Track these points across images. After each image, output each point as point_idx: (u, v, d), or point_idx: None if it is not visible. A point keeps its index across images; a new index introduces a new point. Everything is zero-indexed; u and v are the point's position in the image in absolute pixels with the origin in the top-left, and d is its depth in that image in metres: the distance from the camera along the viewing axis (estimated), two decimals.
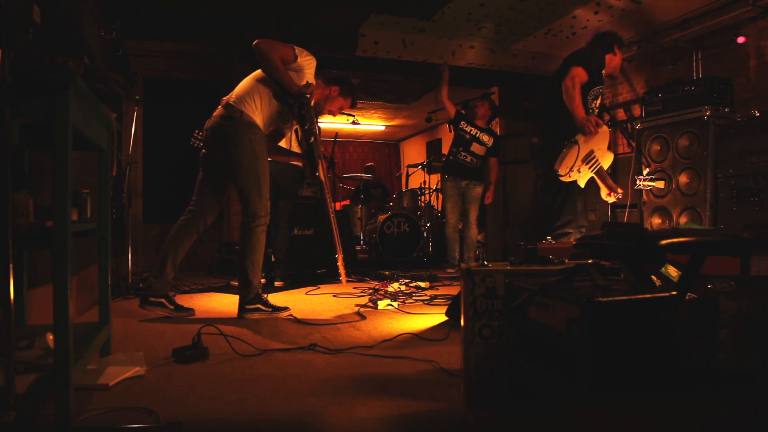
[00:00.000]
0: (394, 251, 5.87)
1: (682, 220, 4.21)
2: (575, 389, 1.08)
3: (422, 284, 4.00)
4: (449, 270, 5.24)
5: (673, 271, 1.96)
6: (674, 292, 1.12)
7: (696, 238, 1.35)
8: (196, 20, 4.86)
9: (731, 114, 4.15)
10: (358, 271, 5.20)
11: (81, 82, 1.36)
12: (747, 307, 1.35)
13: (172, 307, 2.89)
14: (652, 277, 1.56)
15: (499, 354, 1.42)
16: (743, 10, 4.42)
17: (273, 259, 4.22)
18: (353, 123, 6.20)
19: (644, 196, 4.57)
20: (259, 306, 2.91)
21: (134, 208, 5.30)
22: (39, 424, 1.36)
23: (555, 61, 6.33)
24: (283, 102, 2.99)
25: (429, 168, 6.88)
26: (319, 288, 4.12)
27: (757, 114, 3.85)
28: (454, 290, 3.77)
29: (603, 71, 3.32)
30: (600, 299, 1.07)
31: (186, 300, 3.57)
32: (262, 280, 3.64)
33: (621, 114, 5.71)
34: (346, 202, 7.46)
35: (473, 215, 5.30)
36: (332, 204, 3.33)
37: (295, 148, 4.01)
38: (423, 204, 6.74)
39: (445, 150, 6.17)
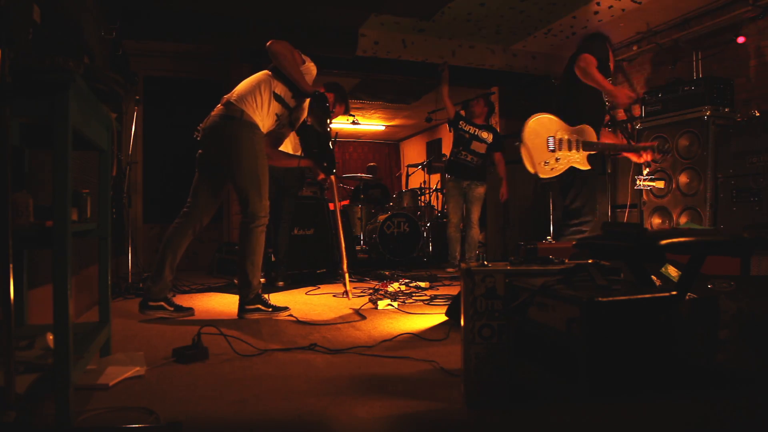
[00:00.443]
0: (394, 251, 5.87)
1: (682, 220, 4.21)
2: (575, 389, 1.08)
3: (422, 284, 4.00)
4: (449, 269, 5.26)
5: (673, 271, 1.96)
6: (674, 292, 1.12)
7: (696, 238, 1.35)
8: (196, 20, 4.86)
9: (731, 114, 4.15)
10: (358, 271, 5.20)
11: (81, 82, 1.36)
12: (747, 307, 1.35)
13: (172, 308, 2.89)
14: (652, 277, 1.56)
15: (499, 354, 1.42)
16: (743, 10, 4.42)
17: (273, 259, 4.21)
18: (353, 123, 6.20)
19: (644, 196, 4.57)
20: (259, 306, 2.91)
21: (134, 208, 5.30)
22: (39, 424, 1.36)
23: (555, 61, 6.34)
24: (284, 105, 2.99)
25: (429, 168, 6.88)
26: (319, 288, 4.11)
27: (757, 114, 3.85)
28: (454, 290, 3.76)
29: (609, 64, 3.30)
30: (600, 299, 1.07)
31: (186, 300, 3.57)
32: (262, 280, 3.64)
33: (621, 114, 5.71)
34: (346, 202, 7.46)
35: (475, 215, 5.32)
36: (341, 218, 3.35)
37: (296, 151, 4.02)
38: (423, 204, 6.74)
39: (445, 150, 6.18)
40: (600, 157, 3.22)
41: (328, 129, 3.13)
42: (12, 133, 1.53)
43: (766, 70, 4.44)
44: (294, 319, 2.87)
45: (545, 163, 3.07)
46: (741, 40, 4.49)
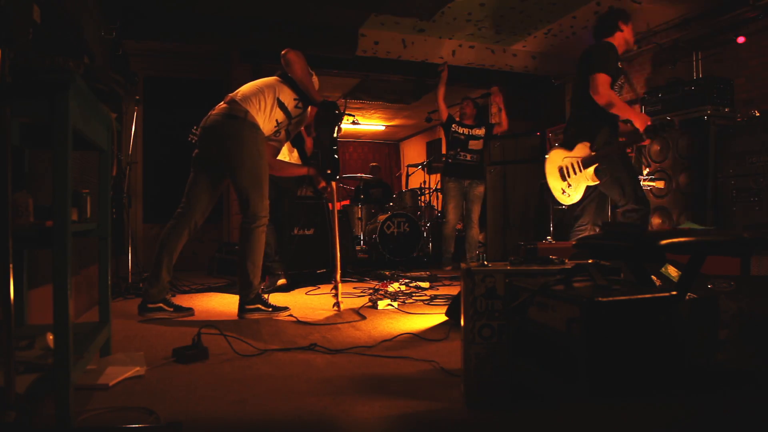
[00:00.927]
0: (394, 251, 5.87)
1: (682, 220, 4.21)
2: (575, 389, 1.08)
3: (422, 284, 4.00)
4: (447, 268, 5.30)
5: (673, 271, 1.96)
6: (674, 292, 1.12)
7: (696, 238, 1.35)
8: (196, 20, 4.87)
9: (731, 114, 4.15)
10: (358, 271, 5.20)
11: (81, 82, 1.36)
12: (747, 307, 1.35)
13: (171, 309, 2.90)
14: (652, 277, 1.56)
15: (499, 354, 1.42)
16: (743, 10, 4.42)
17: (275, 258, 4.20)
18: (353, 123, 6.20)
19: None
20: (259, 306, 2.91)
21: (134, 208, 5.30)
22: (39, 424, 1.36)
23: (555, 61, 6.35)
24: (286, 113, 3.00)
25: (429, 168, 6.88)
26: (319, 288, 4.11)
27: (757, 114, 3.86)
28: (454, 290, 3.76)
29: (619, 64, 3.27)
30: (600, 299, 1.07)
31: (186, 300, 3.57)
32: (262, 284, 3.64)
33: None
34: (346, 202, 7.47)
35: (476, 214, 5.38)
36: (338, 223, 3.36)
37: (294, 160, 4.03)
38: (423, 204, 6.74)
39: (444, 150, 6.20)
40: (609, 162, 3.18)
41: (335, 136, 3.14)
42: (12, 133, 1.53)
43: (766, 70, 4.44)
44: (294, 319, 2.87)
45: (563, 191, 3.22)
46: (741, 40, 4.49)
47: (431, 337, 2.36)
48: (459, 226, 5.70)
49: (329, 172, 3.24)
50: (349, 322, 2.78)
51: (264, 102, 2.90)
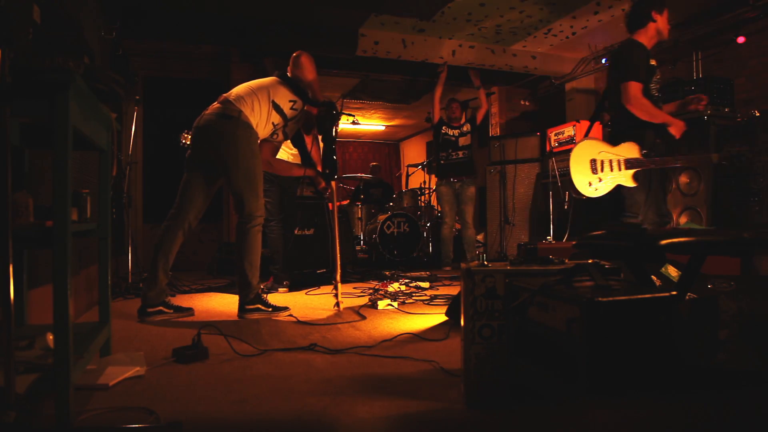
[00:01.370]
0: (394, 251, 5.87)
1: (682, 220, 4.21)
2: (575, 389, 1.08)
3: (422, 284, 4.00)
4: (446, 268, 5.33)
5: (673, 271, 1.96)
6: (674, 292, 1.12)
7: (696, 238, 1.35)
8: (196, 20, 4.86)
9: (731, 114, 4.15)
10: (358, 271, 5.20)
11: (81, 82, 1.36)
12: (747, 307, 1.35)
13: (171, 311, 2.89)
14: (652, 277, 1.56)
15: (499, 354, 1.42)
16: (743, 10, 4.42)
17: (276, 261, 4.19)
18: (353, 123, 6.20)
19: None
20: (259, 306, 2.91)
21: (134, 208, 5.30)
22: (39, 424, 1.36)
23: (555, 61, 6.34)
24: (282, 115, 3.01)
25: (429, 168, 6.88)
26: (319, 288, 4.11)
27: (757, 114, 3.85)
28: (454, 290, 3.77)
29: (652, 61, 3.21)
30: (600, 299, 1.07)
31: (186, 300, 3.58)
32: (262, 285, 3.64)
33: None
34: (346, 202, 7.46)
35: (470, 215, 5.46)
36: (338, 224, 3.36)
37: (295, 160, 4.02)
38: (423, 204, 6.74)
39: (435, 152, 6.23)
40: (648, 172, 3.13)
41: (334, 135, 3.14)
42: (12, 133, 1.53)
43: (766, 70, 4.44)
44: (294, 319, 2.87)
45: (589, 184, 3.15)
46: (741, 40, 4.49)
47: (431, 337, 2.36)
48: (458, 226, 5.71)
49: (328, 172, 3.24)
50: (349, 322, 2.78)
51: (258, 104, 2.89)
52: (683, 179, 4.23)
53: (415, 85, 7.10)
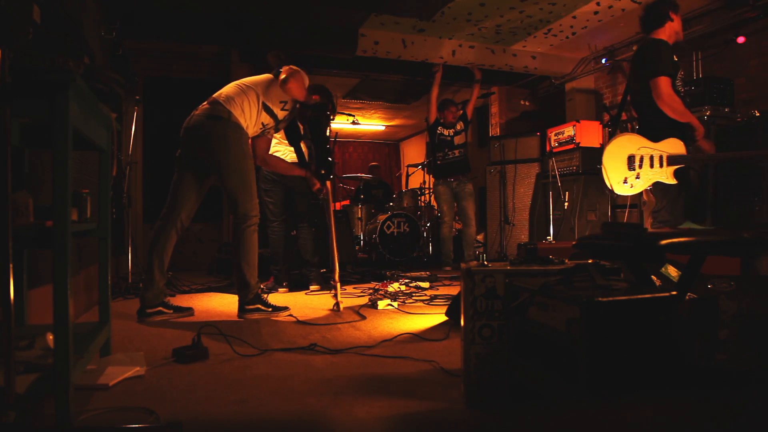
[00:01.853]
0: (394, 251, 5.87)
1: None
2: (575, 389, 1.08)
3: (422, 284, 4.00)
4: (447, 268, 5.33)
5: (673, 271, 1.96)
6: (674, 292, 1.12)
7: (696, 238, 1.35)
8: (196, 20, 4.86)
9: (731, 114, 4.15)
10: (358, 271, 5.20)
11: (81, 82, 1.36)
12: (747, 307, 1.35)
13: (171, 311, 2.89)
14: (652, 277, 1.56)
15: (499, 354, 1.42)
16: (743, 10, 4.42)
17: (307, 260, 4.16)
18: (353, 123, 6.20)
19: (644, 196, 4.56)
20: (259, 306, 2.91)
21: (134, 208, 5.30)
22: (39, 424, 1.36)
23: (555, 61, 6.34)
24: (272, 115, 3.01)
25: (429, 168, 6.88)
26: (319, 288, 4.11)
27: (757, 114, 3.85)
28: (454, 290, 3.77)
29: (674, 57, 3.18)
30: (600, 299, 1.07)
31: (186, 300, 3.58)
32: (262, 286, 3.64)
33: (622, 114, 5.71)
34: (346, 202, 7.46)
35: (471, 212, 5.47)
36: (335, 225, 3.35)
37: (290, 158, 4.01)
38: (423, 204, 6.75)
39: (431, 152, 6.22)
40: (690, 170, 3.07)
41: (328, 135, 3.14)
42: (12, 133, 1.53)
43: (766, 70, 4.44)
44: (294, 319, 2.87)
45: (625, 180, 3.04)
46: (741, 40, 4.49)
47: (431, 337, 2.36)
48: (458, 226, 5.72)
49: (323, 172, 3.23)
50: (349, 322, 2.78)
51: (248, 105, 2.89)
52: None
53: (415, 85, 7.10)
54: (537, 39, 5.83)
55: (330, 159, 3.20)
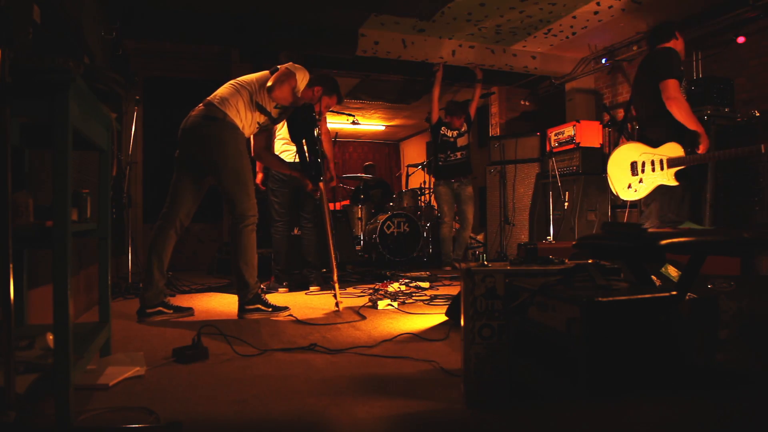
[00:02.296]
0: (394, 251, 5.87)
1: None
2: (575, 389, 1.08)
3: (422, 284, 4.00)
4: (447, 268, 5.34)
5: (673, 271, 1.96)
6: (674, 292, 1.12)
7: (696, 238, 1.35)
8: (196, 20, 4.86)
9: (731, 114, 4.15)
10: (358, 271, 5.20)
11: (81, 82, 1.36)
12: (747, 307, 1.35)
13: (171, 311, 2.89)
14: (652, 277, 1.56)
15: (499, 354, 1.42)
16: (743, 10, 4.42)
17: (309, 260, 4.14)
18: (353, 123, 6.20)
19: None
20: (259, 306, 2.91)
21: (134, 208, 5.30)
22: (39, 424, 1.36)
23: (555, 61, 6.34)
24: (267, 115, 3.00)
25: (429, 168, 6.89)
26: (319, 288, 4.11)
27: (757, 114, 3.85)
28: (454, 290, 3.77)
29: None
30: (600, 299, 1.07)
31: (186, 300, 3.58)
32: (262, 286, 3.63)
33: (621, 114, 5.72)
34: (346, 202, 7.46)
35: (470, 215, 5.50)
36: (332, 231, 3.34)
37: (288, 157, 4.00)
38: (423, 204, 6.75)
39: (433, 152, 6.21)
40: (690, 170, 3.19)
41: (317, 136, 3.12)
42: (12, 133, 1.53)
43: (766, 70, 4.44)
44: (294, 319, 2.87)
45: (629, 186, 3.23)
46: (741, 40, 4.49)
47: (431, 337, 2.36)
48: (457, 226, 5.72)
49: (313, 174, 3.23)
50: (349, 322, 2.78)
51: (243, 106, 2.89)
52: None
53: (415, 85, 7.11)
54: (537, 39, 5.83)
55: (319, 160, 3.17)
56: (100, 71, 1.57)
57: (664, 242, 1.33)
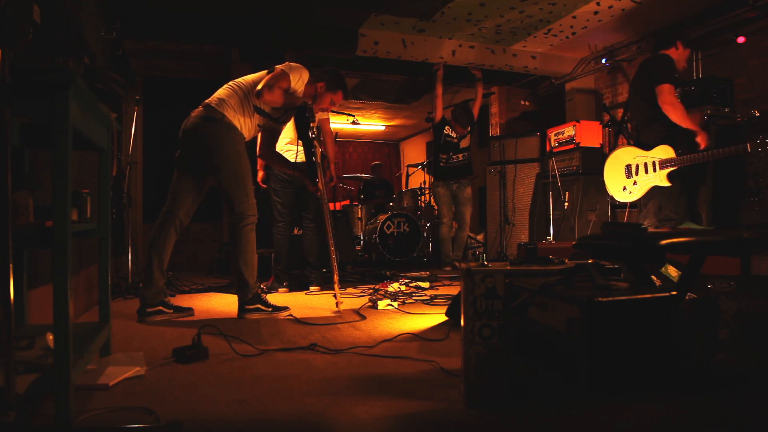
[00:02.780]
0: (394, 251, 5.87)
1: None
2: (575, 389, 1.08)
3: (422, 284, 4.00)
4: (446, 268, 5.34)
5: (673, 271, 1.96)
6: (674, 292, 1.12)
7: (696, 238, 1.35)
8: (196, 20, 4.86)
9: (731, 114, 4.14)
10: (358, 271, 5.20)
11: (81, 82, 1.36)
12: (747, 307, 1.35)
13: (171, 311, 2.89)
14: (652, 277, 1.56)
15: (499, 354, 1.42)
16: (743, 10, 4.42)
17: (309, 260, 4.13)
18: (353, 123, 6.20)
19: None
20: (259, 306, 2.91)
21: (134, 207, 5.30)
22: (39, 424, 1.36)
23: (555, 61, 6.34)
24: (266, 116, 3.00)
25: (429, 168, 6.89)
26: (319, 288, 4.11)
27: (757, 114, 3.85)
28: (454, 290, 3.77)
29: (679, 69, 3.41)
30: (600, 299, 1.07)
31: (186, 300, 3.58)
32: (262, 286, 3.63)
33: (621, 114, 5.72)
34: (346, 202, 7.46)
35: (468, 216, 5.52)
36: (332, 231, 3.33)
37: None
38: (423, 204, 6.75)
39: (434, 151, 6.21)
40: (682, 170, 3.30)
41: (312, 136, 3.11)
42: (12, 133, 1.53)
43: (766, 70, 4.44)
44: (294, 319, 2.87)
45: (624, 188, 3.38)
46: (741, 40, 4.49)
47: (431, 337, 2.36)
48: (456, 226, 5.73)
49: (308, 174, 3.23)
50: (349, 322, 2.78)
51: (241, 107, 2.89)
52: None
53: (415, 85, 7.10)
54: (537, 39, 5.83)
55: (314, 160, 3.16)
56: (100, 71, 1.57)
57: (664, 242, 1.33)
